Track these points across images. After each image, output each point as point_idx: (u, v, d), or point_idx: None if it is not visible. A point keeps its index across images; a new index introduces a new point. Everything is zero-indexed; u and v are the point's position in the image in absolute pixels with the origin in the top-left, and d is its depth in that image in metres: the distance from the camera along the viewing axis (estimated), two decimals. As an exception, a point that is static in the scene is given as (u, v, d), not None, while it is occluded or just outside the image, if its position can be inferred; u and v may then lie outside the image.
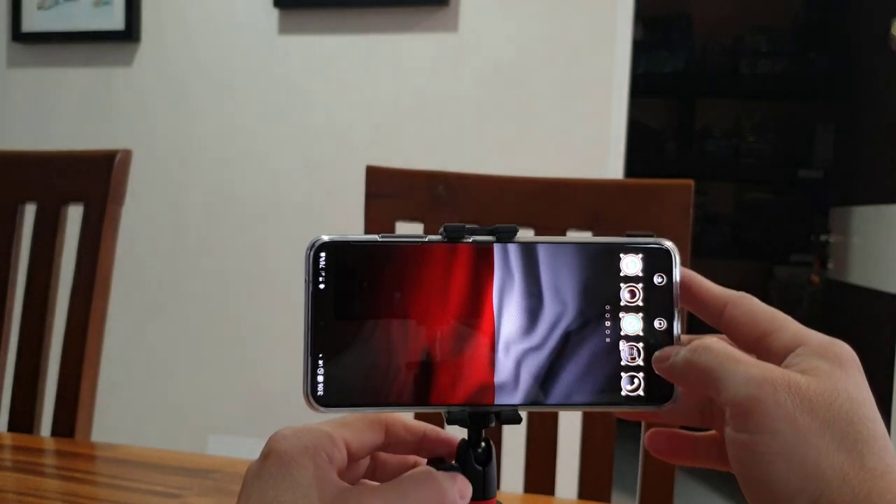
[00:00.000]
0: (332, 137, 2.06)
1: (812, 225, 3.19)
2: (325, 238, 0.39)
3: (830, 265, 2.52)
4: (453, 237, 0.39)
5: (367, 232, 0.96)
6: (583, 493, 0.92)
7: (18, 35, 2.21)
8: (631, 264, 0.40)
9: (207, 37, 2.14)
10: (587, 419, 0.92)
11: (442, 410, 0.39)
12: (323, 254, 0.39)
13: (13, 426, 1.03)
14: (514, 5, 1.94)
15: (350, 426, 0.39)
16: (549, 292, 0.39)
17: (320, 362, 0.38)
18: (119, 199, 1.06)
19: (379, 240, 0.39)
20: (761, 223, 3.58)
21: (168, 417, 2.20)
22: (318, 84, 2.07)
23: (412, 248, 0.39)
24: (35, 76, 2.26)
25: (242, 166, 2.13)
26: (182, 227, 2.18)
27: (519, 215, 0.96)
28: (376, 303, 0.39)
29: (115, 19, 2.14)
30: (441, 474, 0.38)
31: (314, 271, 0.38)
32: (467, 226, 0.40)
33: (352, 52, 2.04)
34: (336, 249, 0.39)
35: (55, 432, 1.01)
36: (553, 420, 0.94)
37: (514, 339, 0.39)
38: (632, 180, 0.99)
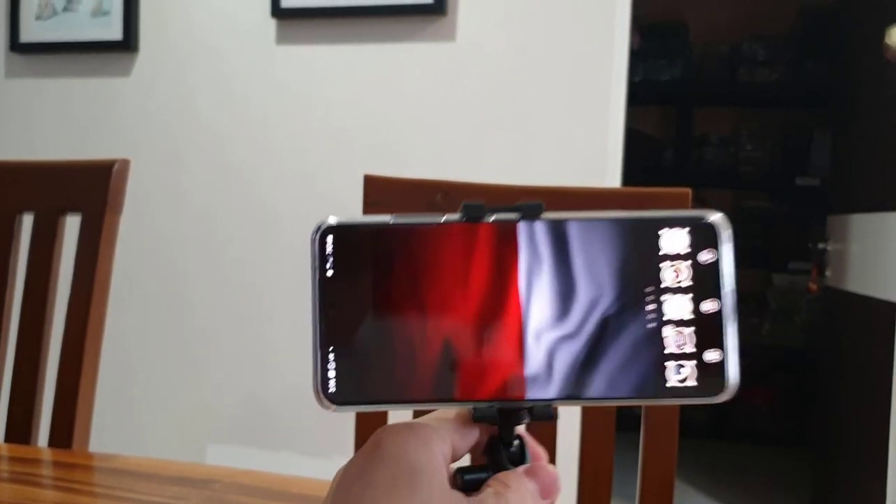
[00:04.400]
0: (330, 146, 2.07)
1: (810, 233, 3.20)
2: (333, 220, 0.36)
3: (828, 273, 2.52)
4: (473, 216, 0.36)
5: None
6: (581, 500, 0.92)
7: (17, 45, 2.22)
8: (673, 240, 0.36)
9: (205, 46, 2.14)
10: (586, 426, 0.92)
11: (468, 407, 0.36)
12: (330, 238, 0.35)
13: (10, 436, 1.02)
14: (512, 14, 1.94)
15: (458, 430, 0.36)
16: (581, 274, 0.35)
17: (331, 356, 0.35)
18: (117, 209, 1.06)
19: (391, 222, 0.36)
20: (759, 231, 3.58)
21: (166, 427, 2.20)
22: (317, 93, 2.07)
23: (428, 230, 0.36)
24: (33, 86, 2.26)
25: (240, 176, 2.13)
26: (180, 236, 2.18)
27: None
28: (391, 290, 0.35)
29: (113, 29, 2.15)
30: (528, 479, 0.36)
31: (321, 257, 0.35)
32: (488, 204, 0.36)
33: (350, 62, 2.05)
34: (345, 233, 0.35)
35: (52, 442, 1.01)
36: (552, 427, 0.94)
37: (544, 327, 0.35)
38: (629, 188, 0.99)
